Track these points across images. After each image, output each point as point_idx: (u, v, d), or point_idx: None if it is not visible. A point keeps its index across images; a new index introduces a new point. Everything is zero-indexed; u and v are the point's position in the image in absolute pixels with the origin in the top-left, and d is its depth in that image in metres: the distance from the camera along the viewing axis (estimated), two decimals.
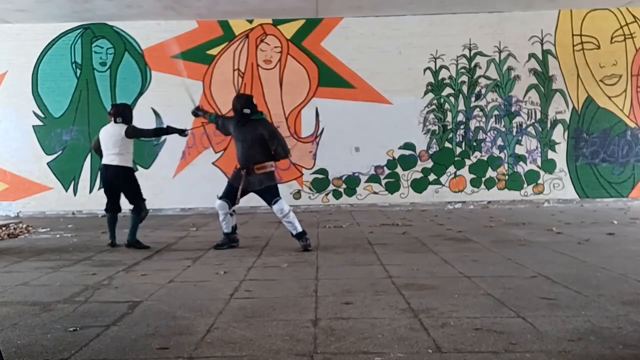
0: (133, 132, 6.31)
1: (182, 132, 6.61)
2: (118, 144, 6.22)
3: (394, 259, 5.29)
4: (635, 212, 9.17)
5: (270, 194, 5.99)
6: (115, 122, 6.31)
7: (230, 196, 6.05)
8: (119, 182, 6.33)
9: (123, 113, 6.35)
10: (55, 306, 3.80)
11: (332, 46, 10.54)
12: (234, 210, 6.19)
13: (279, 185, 6.26)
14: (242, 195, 6.02)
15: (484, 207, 10.41)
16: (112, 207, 6.48)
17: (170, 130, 6.60)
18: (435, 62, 10.59)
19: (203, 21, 10.52)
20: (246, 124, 5.95)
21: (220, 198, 6.10)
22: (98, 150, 6.50)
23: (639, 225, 7.52)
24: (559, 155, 10.62)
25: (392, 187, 10.65)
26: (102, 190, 6.70)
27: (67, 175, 10.62)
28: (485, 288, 4.03)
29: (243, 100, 6.00)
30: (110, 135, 6.29)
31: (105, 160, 6.33)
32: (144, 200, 6.46)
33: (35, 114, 10.57)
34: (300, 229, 5.98)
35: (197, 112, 6.57)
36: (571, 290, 3.90)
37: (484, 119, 10.64)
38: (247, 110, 5.92)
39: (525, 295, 3.81)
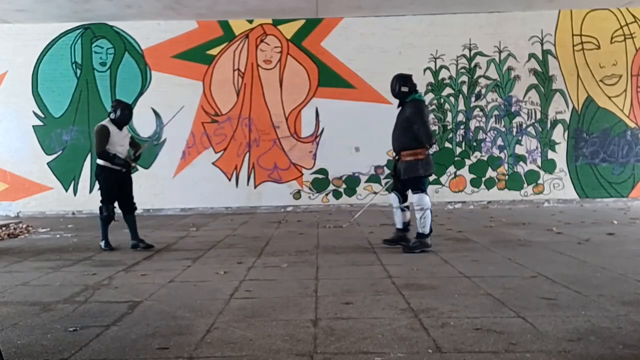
0: (95, 134, 6.17)
1: (126, 166, 6.25)
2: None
3: (394, 259, 5.29)
4: (635, 212, 9.16)
5: (412, 185, 5.61)
6: (109, 117, 6.26)
7: (397, 188, 5.78)
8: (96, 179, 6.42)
9: (115, 110, 6.21)
10: (55, 306, 3.81)
11: (332, 46, 10.54)
12: (406, 206, 5.79)
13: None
14: (401, 184, 5.68)
15: (484, 207, 10.40)
16: (117, 206, 6.40)
17: (115, 161, 6.10)
18: (435, 62, 10.59)
19: (203, 21, 10.52)
20: (402, 106, 5.63)
21: (391, 191, 5.89)
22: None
23: (639, 225, 7.52)
24: (559, 155, 10.62)
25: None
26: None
27: (67, 175, 10.63)
28: (485, 288, 4.03)
29: (401, 79, 5.62)
30: None
31: None
32: (104, 202, 6.21)
33: (35, 114, 10.58)
34: (427, 232, 5.57)
35: None
36: (571, 290, 3.90)
37: (484, 119, 10.64)
38: (404, 89, 5.56)
39: (525, 295, 3.81)
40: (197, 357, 2.78)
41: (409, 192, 5.75)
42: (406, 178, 5.59)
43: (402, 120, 5.58)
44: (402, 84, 5.60)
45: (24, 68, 10.53)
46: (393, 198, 5.86)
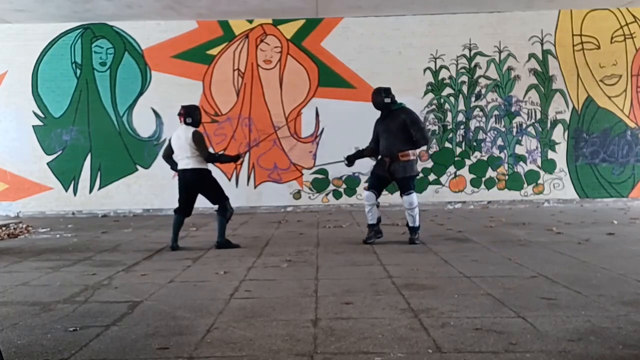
0: (197, 141, 6.12)
1: (236, 159, 6.63)
2: (190, 147, 6.10)
3: (394, 259, 5.29)
4: (635, 212, 9.16)
5: (407, 184, 6.13)
6: (186, 123, 6.19)
7: (377, 186, 6.27)
8: (197, 185, 6.22)
9: (193, 114, 6.22)
10: (55, 306, 3.80)
11: (332, 46, 10.54)
12: (378, 202, 6.32)
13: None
14: (386, 184, 6.28)
15: (484, 207, 10.40)
16: (183, 211, 6.34)
17: (223, 159, 6.65)
18: (435, 62, 10.59)
19: (203, 21, 10.52)
20: (389, 115, 6.18)
21: (367, 189, 6.34)
22: (169, 158, 6.38)
23: (639, 225, 7.52)
24: (559, 155, 10.62)
25: (392, 187, 10.61)
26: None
27: (67, 175, 10.62)
28: (485, 288, 4.03)
29: (383, 92, 6.18)
30: (181, 138, 6.16)
31: (180, 165, 6.24)
32: (227, 199, 6.31)
33: (35, 114, 10.58)
34: (417, 224, 6.18)
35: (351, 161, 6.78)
36: (571, 290, 3.90)
37: (484, 119, 10.64)
38: (387, 100, 6.14)
39: (525, 295, 3.81)
40: (197, 357, 2.78)
41: (384, 191, 6.49)
42: (404, 177, 6.11)
43: (397, 125, 6.09)
44: (386, 96, 6.19)
45: (24, 68, 10.52)
46: (370, 196, 6.28)
